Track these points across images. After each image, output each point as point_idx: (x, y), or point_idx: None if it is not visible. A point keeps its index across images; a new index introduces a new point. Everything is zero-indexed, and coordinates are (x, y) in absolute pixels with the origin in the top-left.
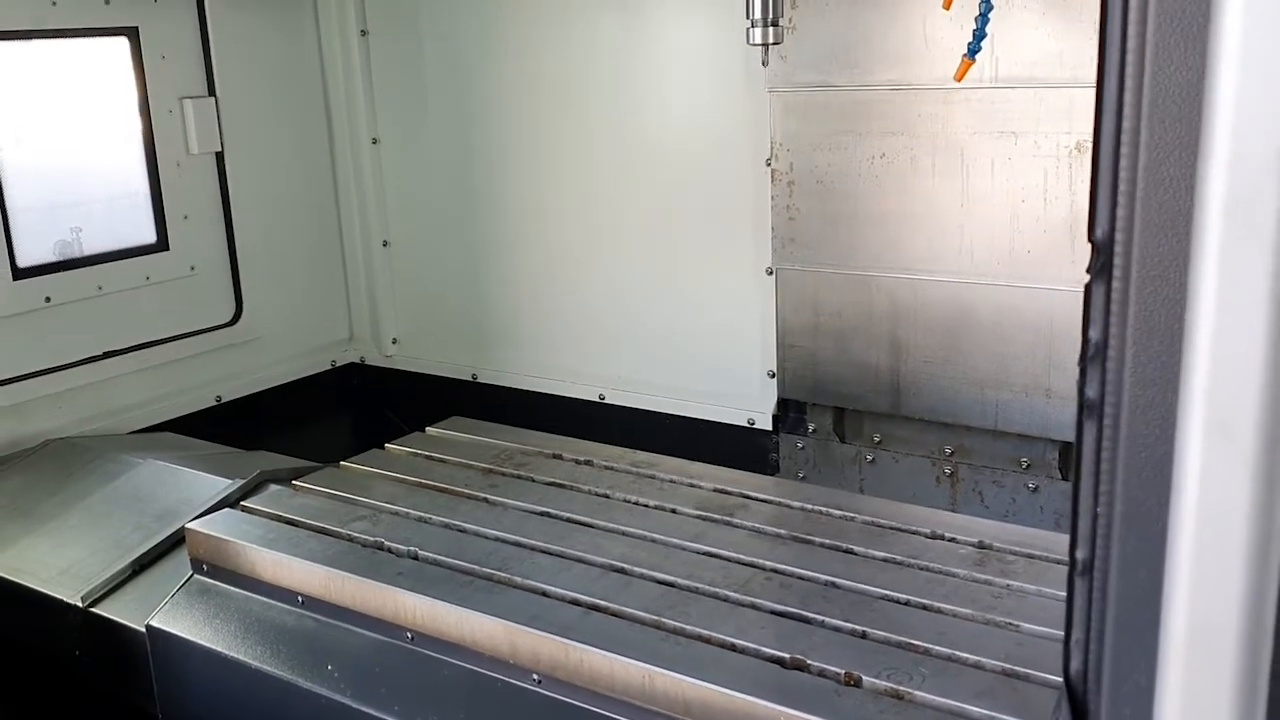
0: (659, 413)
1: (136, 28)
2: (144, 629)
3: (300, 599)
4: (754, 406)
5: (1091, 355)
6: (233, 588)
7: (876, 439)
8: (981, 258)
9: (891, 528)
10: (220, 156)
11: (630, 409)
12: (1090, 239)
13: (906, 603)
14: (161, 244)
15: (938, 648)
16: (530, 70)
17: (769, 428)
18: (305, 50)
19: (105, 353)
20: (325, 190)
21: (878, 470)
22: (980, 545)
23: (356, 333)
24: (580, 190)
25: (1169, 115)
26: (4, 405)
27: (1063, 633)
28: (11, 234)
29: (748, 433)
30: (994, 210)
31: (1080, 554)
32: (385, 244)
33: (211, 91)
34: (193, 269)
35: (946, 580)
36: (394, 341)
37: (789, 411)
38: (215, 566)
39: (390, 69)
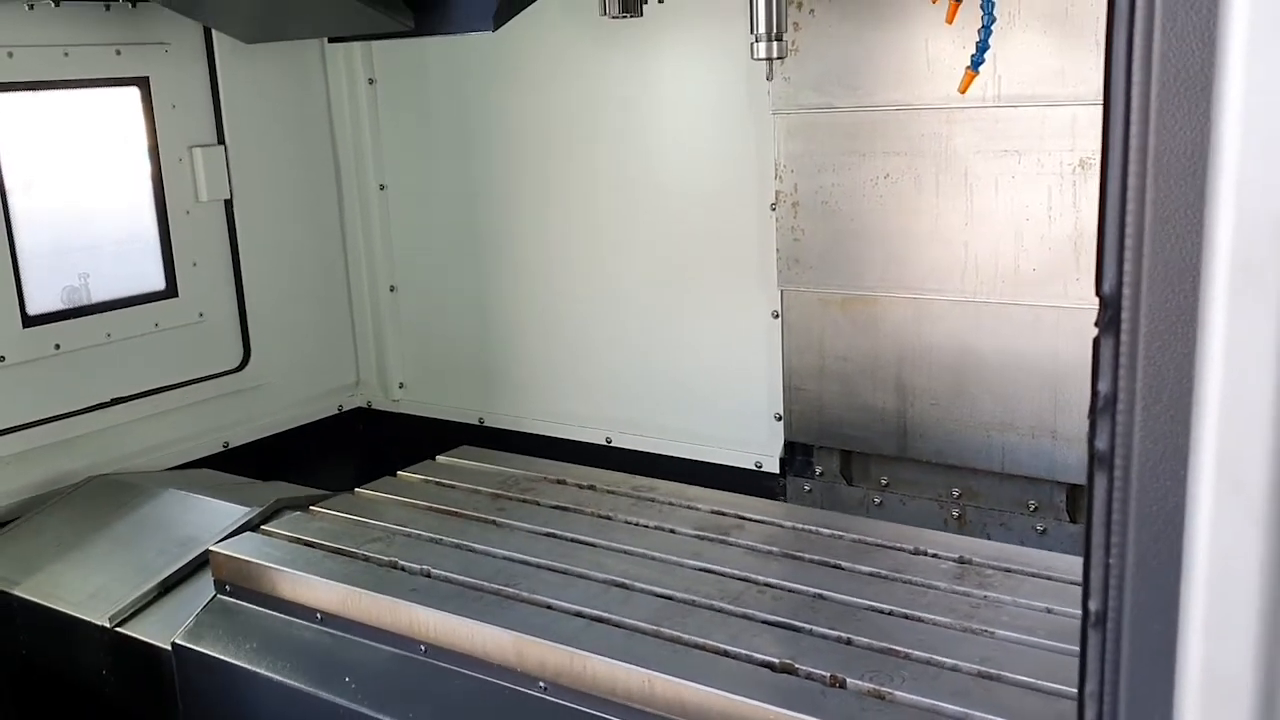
0: (666, 455)
1: (147, 78)
2: (169, 647)
3: (319, 616)
4: (761, 449)
5: (1101, 407)
6: (254, 606)
7: (884, 481)
8: (986, 276)
9: (877, 545)
10: (229, 204)
11: (637, 452)
12: (1098, 293)
13: (890, 612)
14: (170, 291)
15: (918, 652)
16: (535, 116)
17: (776, 470)
18: (313, 98)
19: (114, 399)
20: (332, 236)
21: (885, 513)
22: (960, 560)
23: (363, 377)
24: (586, 234)
25: (1174, 172)
26: (13, 452)
27: (1048, 642)
28: (22, 282)
29: (755, 475)
30: (998, 228)
31: (1093, 605)
32: (392, 289)
33: (221, 140)
34: (201, 315)
35: (928, 592)
36: (400, 386)
37: (796, 454)
38: (237, 586)
39: (397, 116)
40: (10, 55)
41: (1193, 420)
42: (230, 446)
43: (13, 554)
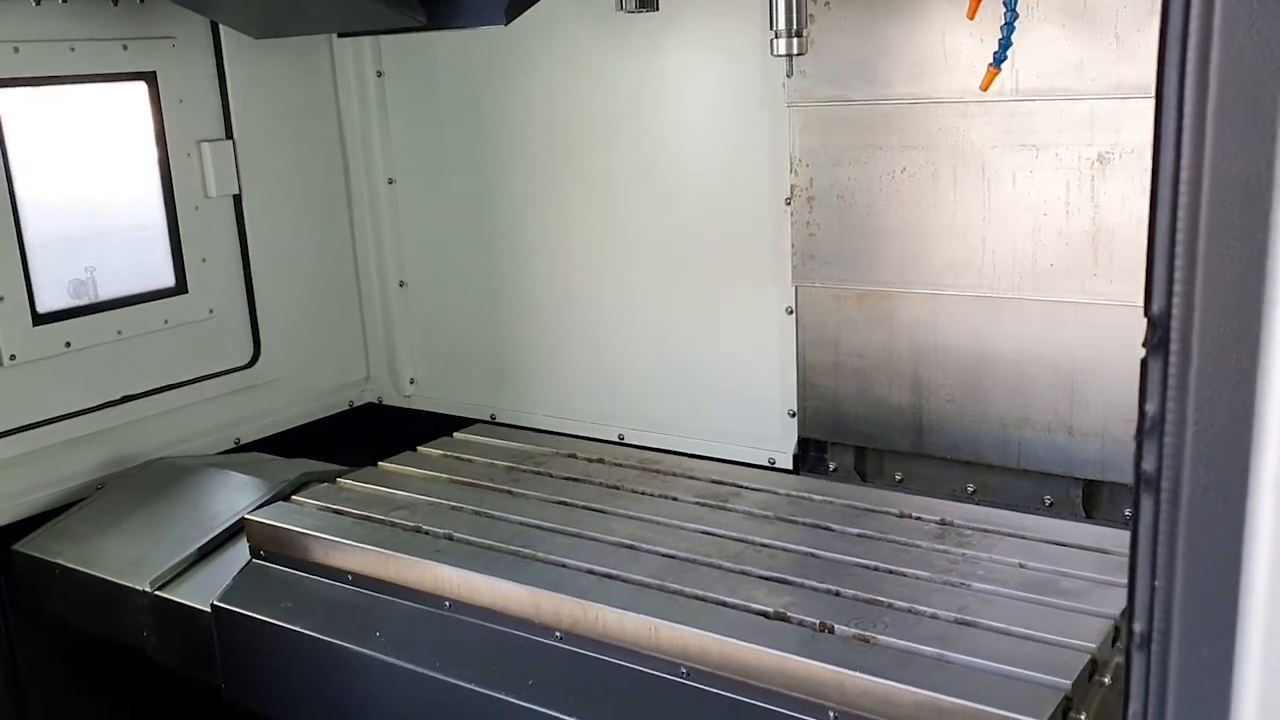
0: (679, 452)
1: (154, 72)
2: (209, 608)
3: (349, 577)
4: (775, 446)
5: (1149, 429)
6: (288, 569)
7: (898, 477)
8: (1003, 271)
9: (865, 509)
10: (238, 199)
11: (650, 449)
12: (1146, 314)
13: (875, 569)
14: (180, 287)
15: (900, 602)
16: (545, 109)
17: (790, 467)
18: (321, 92)
19: (124, 397)
20: (342, 231)
21: None
22: (942, 522)
23: (374, 373)
24: (599, 229)
25: (1232, 193)
26: (26, 451)
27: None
28: (32, 281)
29: (768, 472)
30: (1016, 223)
31: (1138, 627)
32: (402, 284)
33: (229, 135)
34: (211, 312)
35: (910, 550)
36: (411, 382)
37: (810, 450)
38: (272, 552)
39: (406, 109)
40: (16, 51)
41: (1252, 447)
42: (242, 443)
43: (65, 532)
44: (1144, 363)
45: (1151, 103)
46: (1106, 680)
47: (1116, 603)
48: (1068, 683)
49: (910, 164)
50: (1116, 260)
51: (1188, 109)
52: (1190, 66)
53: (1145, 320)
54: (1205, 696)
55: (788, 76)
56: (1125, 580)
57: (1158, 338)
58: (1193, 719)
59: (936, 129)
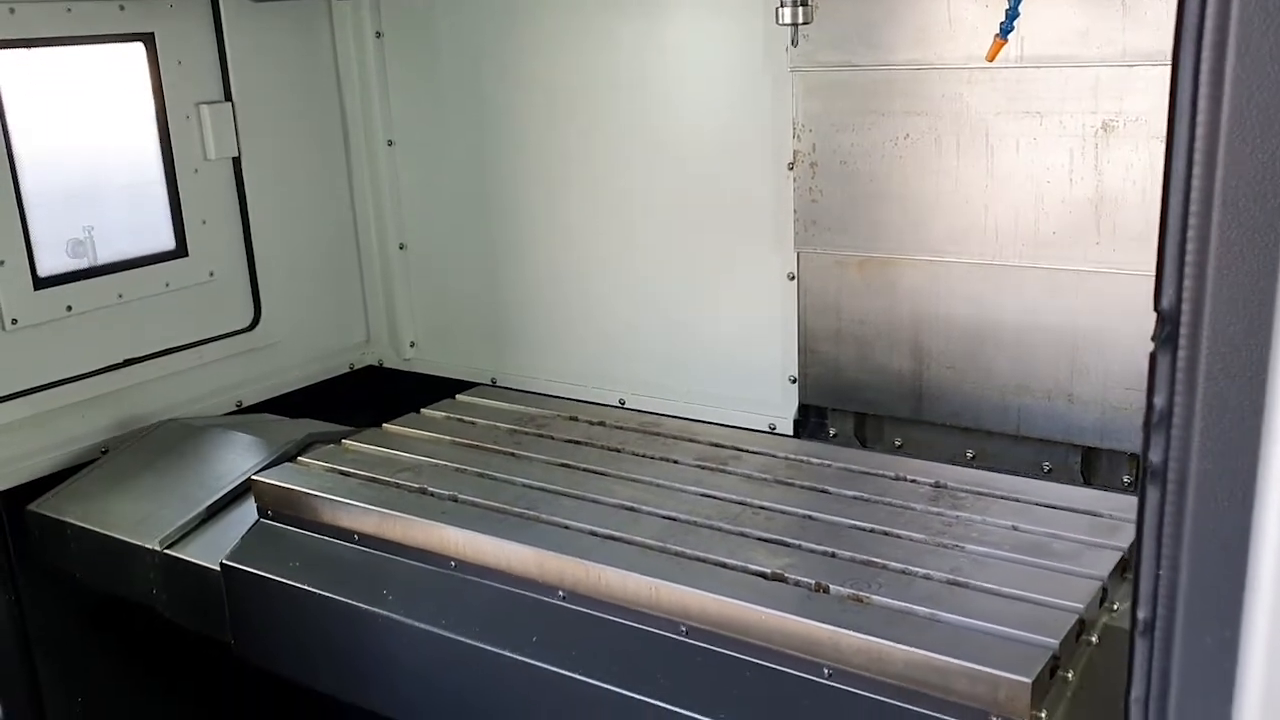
0: (679, 417)
1: (152, 33)
2: (218, 567)
3: (356, 536)
4: (775, 411)
5: (1156, 422)
6: (296, 529)
7: (898, 443)
8: (1006, 238)
9: (861, 472)
10: (237, 161)
11: (651, 414)
12: (1156, 308)
13: (870, 530)
14: (180, 250)
15: (893, 563)
16: (547, 70)
17: (790, 433)
18: (320, 53)
19: (126, 360)
20: (341, 193)
21: None
22: (937, 485)
23: (374, 336)
24: (599, 192)
25: (1246, 193)
26: (30, 414)
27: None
28: (32, 245)
29: (769, 438)
30: (1019, 191)
31: (1142, 614)
32: (402, 247)
33: (228, 96)
34: (211, 275)
35: (905, 512)
36: (412, 345)
37: (810, 416)
38: (279, 512)
39: (405, 71)
40: (12, 12)
41: (1261, 442)
42: (243, 406)
43: (77, 492)
44: (1153, 356)
45: (1157, 70)
46: (1094, 640)
47: (1106, 565)
48: (1055, 642)
49: (913, 130)
50: (1119, 228)
51: (1201, 105)
52: (1205, 64)
53: (1155, 315)
54: (1208, 684)
55: (792, 45)
56: (1115, 543)
57: (1167, 332)
58: (1195, 706)
59: (940, 95)
